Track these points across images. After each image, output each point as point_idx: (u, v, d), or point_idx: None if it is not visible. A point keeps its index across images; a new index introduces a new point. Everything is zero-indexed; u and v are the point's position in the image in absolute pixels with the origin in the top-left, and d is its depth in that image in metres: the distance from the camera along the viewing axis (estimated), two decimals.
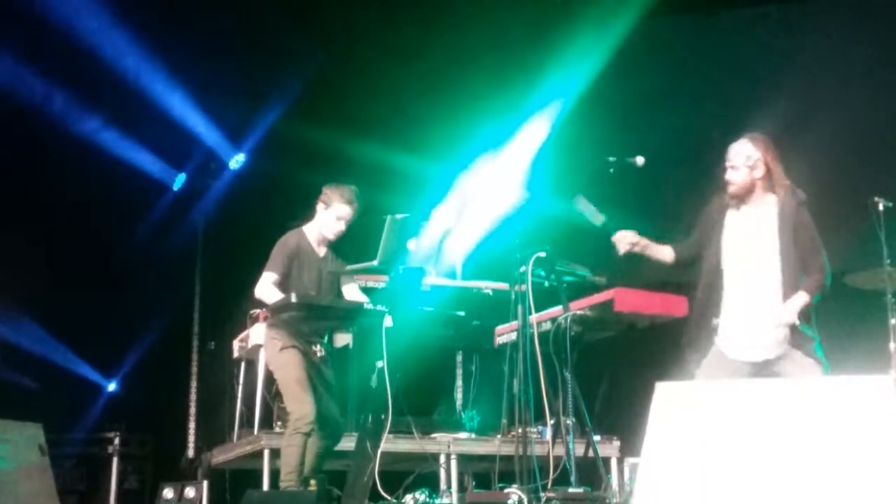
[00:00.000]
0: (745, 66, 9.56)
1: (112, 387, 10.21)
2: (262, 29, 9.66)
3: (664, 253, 5.89)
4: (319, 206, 6.50)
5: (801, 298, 5.46)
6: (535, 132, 8.97)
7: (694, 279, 5.85)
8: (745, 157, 5.63)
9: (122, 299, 9.67)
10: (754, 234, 5.61)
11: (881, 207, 6.92)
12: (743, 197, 5.66)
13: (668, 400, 4.33)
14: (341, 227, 6.48)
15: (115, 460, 8.71)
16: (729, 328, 5.60)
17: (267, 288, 6.26)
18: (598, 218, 5.84)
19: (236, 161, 10.52)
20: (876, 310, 7.15)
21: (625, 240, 5.79)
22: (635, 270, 6.34)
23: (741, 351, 5.54)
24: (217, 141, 10.44)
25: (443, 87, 9.64)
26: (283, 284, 6.28)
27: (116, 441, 8.78)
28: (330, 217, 6.46)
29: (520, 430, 5.71)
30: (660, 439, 4.29)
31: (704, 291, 5.70)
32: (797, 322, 5.42)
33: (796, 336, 5.45)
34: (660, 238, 5.96)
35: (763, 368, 5.48)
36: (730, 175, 5.66)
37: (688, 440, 4.22)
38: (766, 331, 5.49)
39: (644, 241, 5.84)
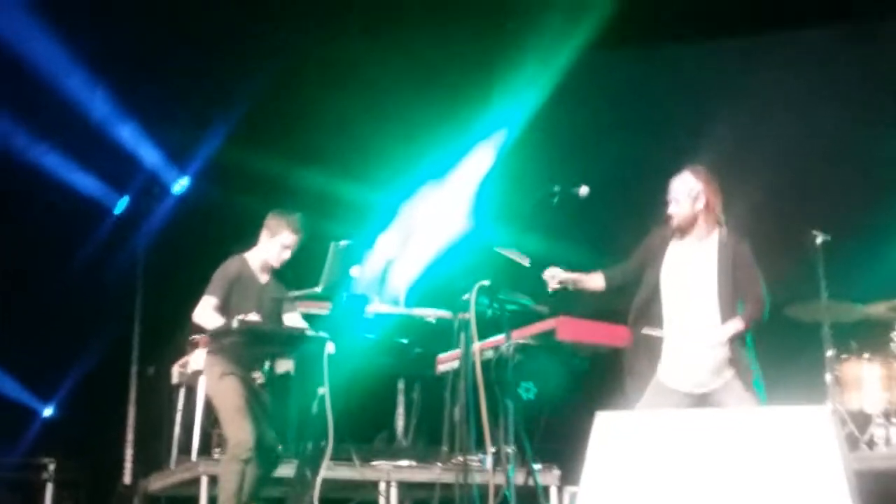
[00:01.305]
0: (685, 99, 9.67)
1: (48, 411, 10.07)
2: (207, 53, 9.63)
3: (595, 282, 5.93)
4: (264, 234, 6.47)
5: (735, 325, 5.51)
6: (479, 161, 9.01)
7: (627, 303, 5.90)
8: (687, 191, 5.67)
9: (61, 322, 9.55)
10: (695, 265, 5.66)
11: (819, 241, 7.05)
12: (685, 229, 5.71)
13: (607, 429, 4.35)
14: (286, 255, 6.46)
15: (49, 486, 8.57)
16: (669, 359, 5.64)
17: (206, 312, 6.21)
18: (524, 260, 5.88)
19: (180, 185, 10.46)
20: (813, 341, 7.26)
21: (554, 278, 5.83)
22: (577, 300, 6.37)
23: (681, 382, 5.58)
24: (160, 165, 10.37)
25: (387, 116, 9.65)
26: (224, 310, 6.23)
27: (51, 467, 8.65)
28: (275, 245, 6.43)
29: (460, 458, 5.71)
30: (599, 468, 4.30)
31: (640, 309, 5.73)
32: (723, 343, 5.48)
33: (739, 367, 5.49)
34: (598, 267, 6.01)
35: (702, 401, 5.53)
36: (672, 208, 5.71)
37: (627, 469, 4.24)
38: (705, 363, 5.53)
39: (573, 276, 5.88)
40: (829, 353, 7.12)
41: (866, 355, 7.37)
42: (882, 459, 6.85)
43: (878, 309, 7.33)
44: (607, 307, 6.39)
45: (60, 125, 9.63)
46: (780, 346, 7.71)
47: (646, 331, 5.68)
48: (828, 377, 7.08)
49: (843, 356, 7.39)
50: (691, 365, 5.55)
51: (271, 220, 6.46)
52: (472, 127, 9.20)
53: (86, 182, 10.13)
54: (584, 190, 5.85)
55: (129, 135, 9.99)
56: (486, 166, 9.05)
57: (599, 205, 6.08)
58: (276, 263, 6.48)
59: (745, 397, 5.44)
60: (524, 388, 6.22)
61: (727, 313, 5.56)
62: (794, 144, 9.28)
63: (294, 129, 9.87)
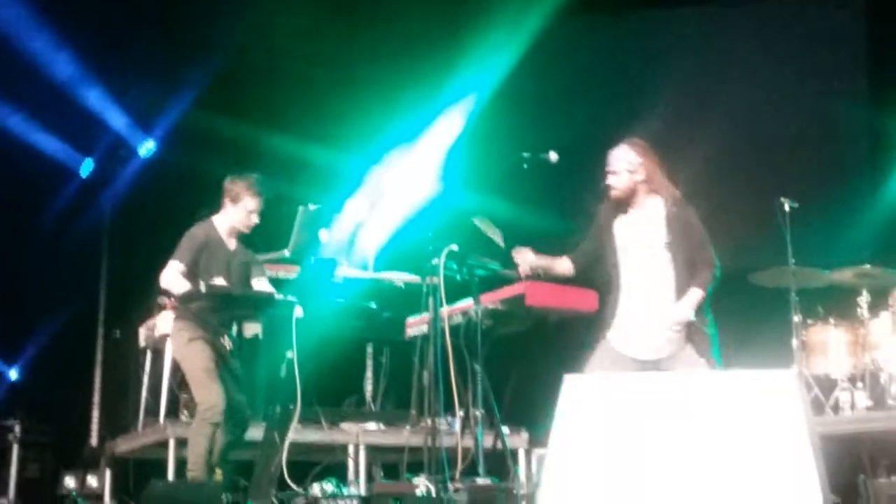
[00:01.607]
0: (655, 66, 9.69)
1: (13, 374, 10.02)
2: (176, 15, 9.54)
3: (564, 267, 5.88)
4: (227, 202, 6.39)
5: (695, 294, 5.49)
6: (449, 126, 9.00)
7: (601, 276, 5.90)
8: (625, 163, 5.65)
9: (26, 285, 9.50)
10: (643, 235, 5.64)
11: (787, 208, 7.10)
12: (627, 201, 5.69)
13: (575, 392, 4.37)
14: (254, 219, 6.40)
15: (15, 448, 8.53)
16: (622, 325, 5.63)
17: (173, 277, 6.16)
18: (498, 238, 5.89)
19: (146, 148, 10.37)
20: (780, 307, 7.31)
21: (525, 263, 5.82)
22: None
23: (631, 348, 5.56)
24: (127, 127, 10.28)
25: (357, 79, 9.62)
26: (191, 275, 6.19)
27: (17, 429, 8.60)
28: (241, 212, 6.36)
29: (429, 421, 5.73)
30: (567, 431, 4.32)
31: (611, 294, 5.75)
32: (693, 318, 5.47)
33: (693, 332, 5.49)
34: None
35: (651, 367, 5.50)
36: (611, 180, 5.68)
37: (595, 431, 4.26)
38: (659, 330, 5.53)
39: (543, 262, 5.85)
40: (796, 318, 7.18)
41: (832, 321, 7.44)
42: (847, 423, 6.94)
43: (845, 275, 7.39)
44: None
45: (25, 86, 9.52)
46: (747, 311, 7.80)
47: None
48: (794, 342, 7.14)
49: (810, 322, 7.45)
50: (647, 334, 5.53)
51: (231, 187, 6.39)
52: (442, 91, 9.18)
53: (51, 144, 10.03)
54: (553, 156, 5.84)
55: (95, 97, 9.89)
56: (455, 131, 9.03)
57: (569, 170, 6.08)
58: (244, 229, 6.42)
59: (699, 363, 5.43)
60: None
61: (682, 280, 5.54)
62: (762, 112, 9.33)
63: (262, 92, 9.81)
